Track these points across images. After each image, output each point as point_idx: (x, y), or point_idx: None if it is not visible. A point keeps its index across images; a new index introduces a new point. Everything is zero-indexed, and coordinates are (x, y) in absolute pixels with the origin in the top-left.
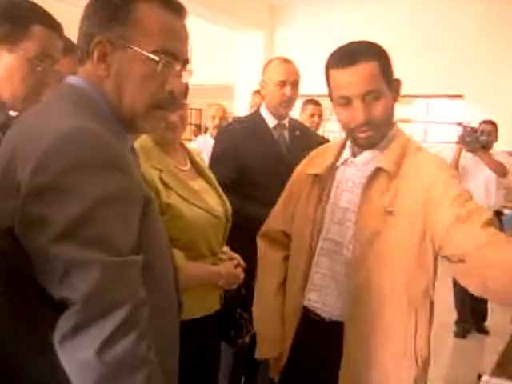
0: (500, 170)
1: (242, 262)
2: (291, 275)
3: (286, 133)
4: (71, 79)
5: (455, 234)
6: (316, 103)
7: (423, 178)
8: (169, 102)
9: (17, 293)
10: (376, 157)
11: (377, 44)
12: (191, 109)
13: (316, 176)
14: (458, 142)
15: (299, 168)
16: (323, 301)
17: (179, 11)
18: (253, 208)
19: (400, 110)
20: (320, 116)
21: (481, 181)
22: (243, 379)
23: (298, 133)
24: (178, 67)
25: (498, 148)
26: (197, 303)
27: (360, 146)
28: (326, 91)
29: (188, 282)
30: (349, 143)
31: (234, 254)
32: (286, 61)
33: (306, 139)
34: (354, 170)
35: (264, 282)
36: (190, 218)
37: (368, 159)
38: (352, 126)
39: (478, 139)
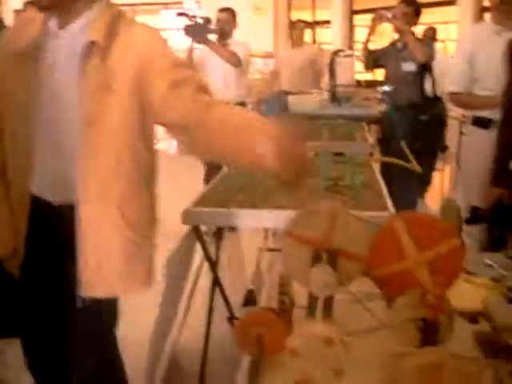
0: (233, 60)
1: None
2: (12, 159)
3: None
4: None
5: (170, 101)
6: None
7: (138, 50)
8: None
9: None
10: (85, 29)
11: None
12: None
13: (22, 52)
14: (185, 34)
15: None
16: (50, 185)
17: None
18: None
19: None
20: None
21: (219, 73)
22: None
23: None
24: None
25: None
26: None
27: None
28: None
29: None
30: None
31: None
32: None
33: None
34: (64, 45)
35: None
36: None
37: (77, 31)
38: None
39: (208, 29)
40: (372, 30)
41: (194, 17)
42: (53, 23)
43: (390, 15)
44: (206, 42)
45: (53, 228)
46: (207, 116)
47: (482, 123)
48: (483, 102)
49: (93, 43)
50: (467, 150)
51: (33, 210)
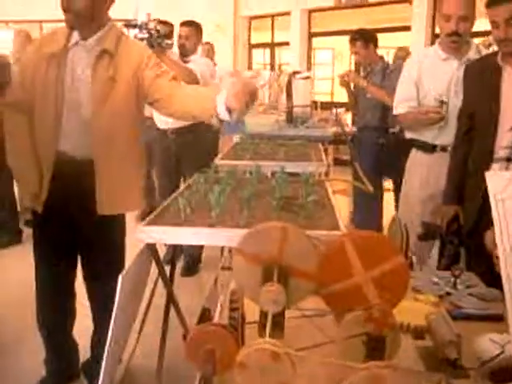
0: (187, 78)
1: None
2: (41, 127)
3: None
4: None
5: (155, 85)
6: None
7: (134, 54)
8: None
9: None
10: (100, 40)
11: None
12: None
13: (53, 55)
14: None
15: (30, 50)
16: (74, 145)
17: None
18: None
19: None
20: None
21: None
22: None
23: None
24: None
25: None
26: None
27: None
28: None
29: None
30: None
31: None
32: None
33: None
34: (84, 51)
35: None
36: None
37: (95, 42)
38: None
39: (161, 42)
40: (348, 89)
41: (145, 27)
42: (75, 36)
43: (346, 78)
44: (156, 54)
45: (73, 175)
46: (175, 91)
47: (424, 148)
48: (414, 118)
49: (105, 50)
50: (410, 170)
51: (59, 162)
